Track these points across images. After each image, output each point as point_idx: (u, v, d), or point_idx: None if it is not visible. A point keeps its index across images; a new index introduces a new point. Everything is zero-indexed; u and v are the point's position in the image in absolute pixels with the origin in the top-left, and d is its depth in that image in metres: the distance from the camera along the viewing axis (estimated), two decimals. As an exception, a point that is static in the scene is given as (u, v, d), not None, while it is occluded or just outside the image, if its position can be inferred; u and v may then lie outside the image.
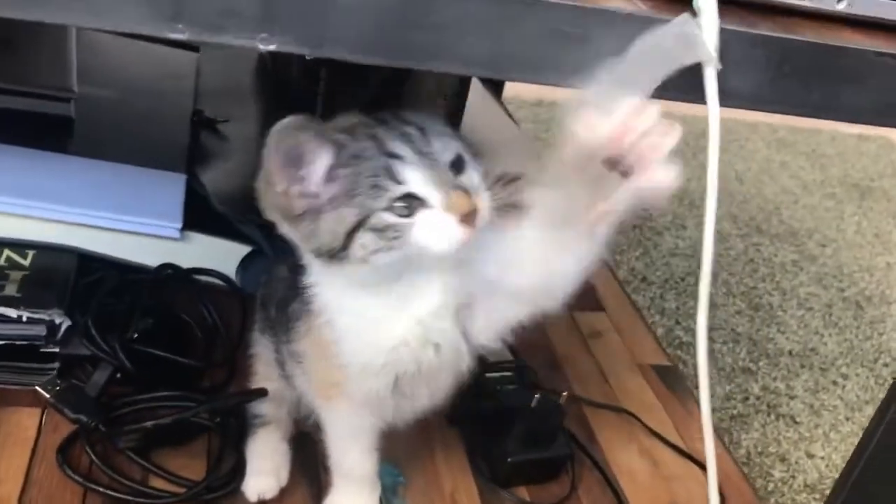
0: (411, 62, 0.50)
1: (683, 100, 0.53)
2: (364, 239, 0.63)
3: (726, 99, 0.53)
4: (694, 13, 0.51)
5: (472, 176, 0.65)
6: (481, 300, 0.70)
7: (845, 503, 0.82)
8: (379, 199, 0.62)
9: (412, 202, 0.62)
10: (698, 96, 0.53)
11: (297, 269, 0.72)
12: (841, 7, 0.56)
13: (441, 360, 0.72)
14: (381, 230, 0.62)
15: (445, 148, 0.64)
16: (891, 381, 1.16)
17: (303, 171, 0.62)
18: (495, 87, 1.78)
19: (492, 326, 0.72)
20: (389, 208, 0.62)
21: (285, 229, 0.67)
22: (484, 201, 0.63)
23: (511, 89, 1.96)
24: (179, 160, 1.10)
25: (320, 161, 0.62)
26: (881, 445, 0.78)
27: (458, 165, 0.64)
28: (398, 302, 0.69)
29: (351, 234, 0.63)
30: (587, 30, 0.50)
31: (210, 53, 1.32)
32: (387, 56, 0.49)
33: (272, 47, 0.48)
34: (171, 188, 1.05)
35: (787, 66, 0.53)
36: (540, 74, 0.51)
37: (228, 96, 1.27)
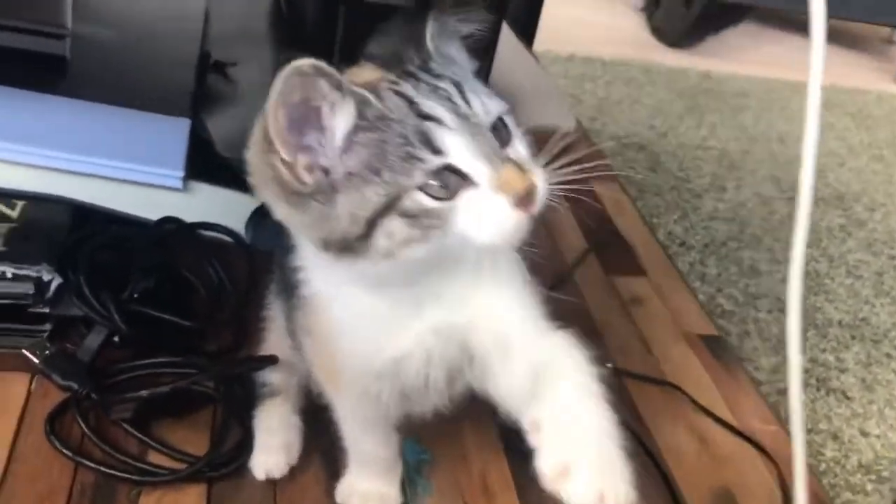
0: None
1: (785, 6, 0.42)
2: (392, 226, 0.50)
3: (834, 8, 0.43)
4: None
5: (519, 146, 0.53)
6: (502, 359, 0.58)
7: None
8: (413, 173, 0.49)
9: (452, 179, 0.50)
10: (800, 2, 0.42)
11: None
12: None
13: (443, 389, 0.62)
14: (415, 215, 0.50)
15: (487, 109, 0.52)
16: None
17: (316, 136, 0.50)
18: (526, 36, 1.67)
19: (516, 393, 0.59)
20: (425, 187, 0.49)
21: (284, 212, 0.53)
22: (541, 179, 0.51)
23: (543, 43, 1.84)
24: (183, 104, 1.02)
25: (341, 121, 0.50)
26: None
27: (502, 132, 0.52)
28: (402, 311, 0.58)
29: (375, 220, 0.50)
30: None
31: (220, -7, 1.22)
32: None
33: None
34: (173, 134, 0.97)
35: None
36: None
37: (238, 39, 1.17)
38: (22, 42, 0.99)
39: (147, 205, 0.93)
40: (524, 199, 0.50)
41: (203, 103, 1.03)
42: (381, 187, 0.49)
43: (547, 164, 0.53)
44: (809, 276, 1.65)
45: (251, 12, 1.25)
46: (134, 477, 0.73)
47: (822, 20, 0.41)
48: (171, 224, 0.93)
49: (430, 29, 0.54)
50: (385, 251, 0.51)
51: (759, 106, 2.32)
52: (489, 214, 0.50)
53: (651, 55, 2.51)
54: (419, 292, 0.57)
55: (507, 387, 0.59)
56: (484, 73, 1.27)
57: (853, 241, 1.81)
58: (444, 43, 0.55)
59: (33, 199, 0.88)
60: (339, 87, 0.49)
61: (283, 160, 0.50)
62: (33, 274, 0.80)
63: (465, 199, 0.50)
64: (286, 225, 0.56)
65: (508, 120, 0.53)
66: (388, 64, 0.54)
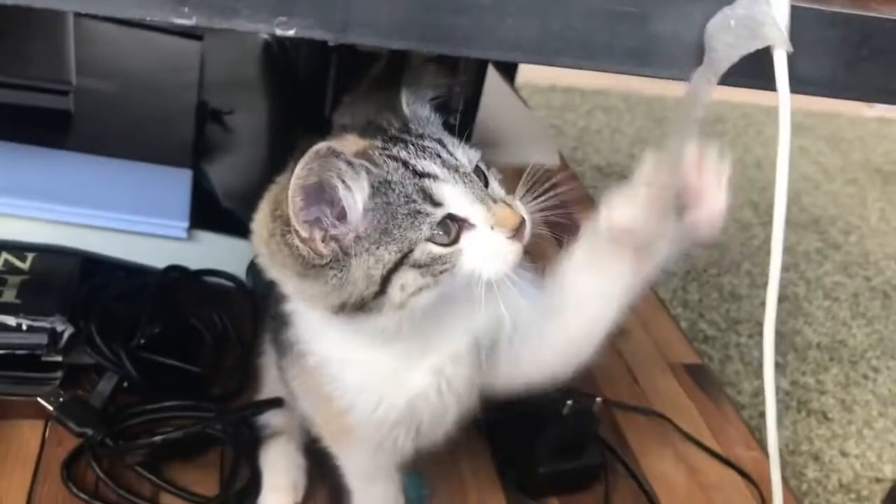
0: (446, 47, 0.44)
1: (749, 86, 0.47)
2: (406, 278, 0.54)
3: (797, 85, 0.48)
4: (763, -11, 0.45)
5: (495, 186, 0.58)
6: (510, 346, 0.63)
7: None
8: (420, 227, 0.53)
9: (451, 225, 0.54)
10: (767, 82, 0.47)
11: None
12: (923, -20, 0.50)
13: (460, 404, 0.66)
14: (426, 264, 0.54)
15: (469, 158, 0.57)
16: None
17: (325, 209, 0.53)
18: (508, 72, 1.72)
19: (522, 373, 0.66)
20: (432, 237, 0.54)
21: (296, 286, 0.56)
22: (525, 211, 0.56)
23: (523, 74, 1.90)
24: (184, 155, 1.05)
25: (358, 195, 0.53)
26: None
27: (480, 177, 0.57)
28: (413, 352, 0.61)
29: (389, 276, 0.53)
30: (644, 8, 0.44)
31: (214, 42, 1.26)
32: (419, 40, 0.44)
33: (291, 32, 0.42)
34: (176, 184, 1.00)
35: (865, 48, 0.48)
36: (592, 58, 0.45)
37: (234, 86, 1.21)
38: (28, 99, 1.02)
39: (153, 254, 0.95)
40: (517, 231, 0.55)
41: (203, 153, 1.07)
42: (394, 244, 0.53)
43: (530, 196, 0.58)
44: (788, 299, 1.70)
45: (245, 60, 1.29)
46: (149, 519, 0.76)
47: (787, 105, 0.46)
48: (176, 272, 0.96)
49: (405, 96, 0.59)
50: (399, 303, 0.54)
51: (735, 131, 2.39)
52: (490, 249, 0.55)
53: (629, 83, 2.56)
54: (422, 338, 0.60)
55: (527, 360, 0.65)
56: (470, 116, 1.32)
57: (830, 263, 1.86)
58: (419, 106, 0.60)
59: (43, 251, 0.91)
60: (352, 165, 0.52)
61: (301, 238, 0.53)
62: (47, 325, 0.82)
63: (468, 240, 0.55)
64: (296, 297, 0.59)
65: (482, 165, 0.58)
66: (365, 132, 0.58)
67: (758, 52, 0.46)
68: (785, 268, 1.79)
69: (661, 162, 0.53)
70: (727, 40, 0.45)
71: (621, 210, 0.55)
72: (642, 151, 1.84)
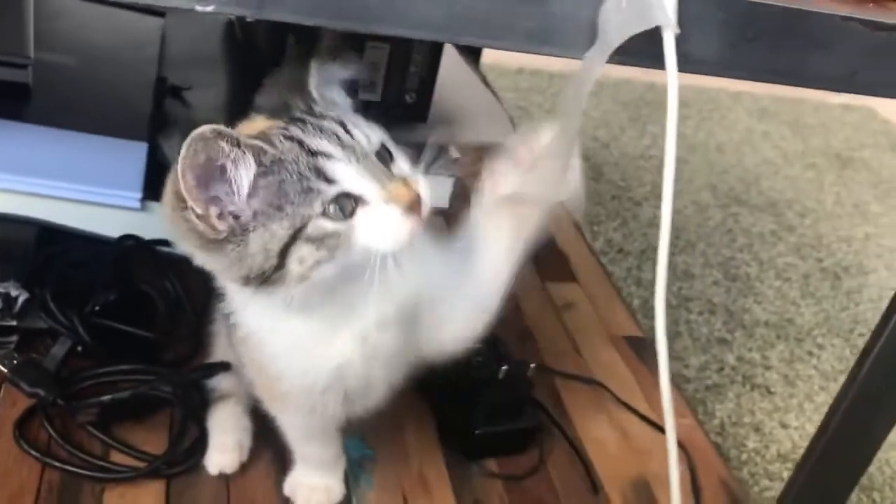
0: (356, 25, 0.48)
1: (640, 65, 0.51)
2: (301, 252, 0.57)
3: (687, 64, 0.52)
4: (653, -27, 0.49)
5: (402, 163, 0.61)
6: (430, 310, 0.67)
7: (813, 470, 0.82)
8: (312, 204, 0.56)
9: (346, 202, 0.57)
10: (657, 62, 0.51)
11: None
12: (807, -32, 0.54)
13: (389, 370, 0.70)
14: (319, 239, 0.56)
15: (369, 139, 0.60)
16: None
17: (222, 187, 0.55)
18: (473, 54, 1.75)
19: (442, 336, 0.70)
20: (324, 213, 0.56)
21: (203, 259, 0.59)
22: (424, 187, 0.59)
23: (491, 56, 1.93)
24: (141, 128, 1.07)
25: (244, 172, 0.55)
26: (848, 412, 0.78)
27: (385, 154, 0.60)
28: (336, 320, 0.64)
29: (285, 250, 0.57)
30: (542, -9, 0.48)
31: (176, 19, 1.28)
32: (330, 17, 0.47)
33: (210, 8, 0.46)
34: (132, 157, 1.02)
35: (750, 30, 0.52)
36: (494, 38, 0.49)
37: (194, 63, 1.23)
38: (-14, 72, 1.04)
39: (108, 224, 0.98)
40: (412, 206, 0.58)
41: (160, 127, 1.09)
42: (287, 220, 0.56)
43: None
44: (740, 278, 1.76)
45: (206, 37, 1.31)
46: (97, 475, 0.79)
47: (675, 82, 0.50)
48: (130, 241, 0.98)
49: (312, 77, 0.62)
50: (299, 276, 0.57)
51: (699, 116, 2.43)
52: (383, 225, 0.57)
53: (598, 67, 2.60)
54: (339, 306, 0.63)
55: (445, 325, 0.69)
56: (426, 95, 1.35)
57: (783, 245, 1.92)
58: (326, 88, 0.63)
59: (1, 219, 0.94)
60: (237, 144, 0.55)
61: (196, 214, 0.55)
62: (1, 290, 0.86)
63: (361, 216, 0.57)
64: (208, 270, 0.62)
65: (389, 143, 0.61)
66: (277, 113, 0.61)
67: (649, 33, 0.50)
68: (739, 248, 1.86)
69: (550, 132, 0.59)
70: (618, 21, 0.49)
71: (504, 178, 0.61)
72: (607, 134, 1.91)
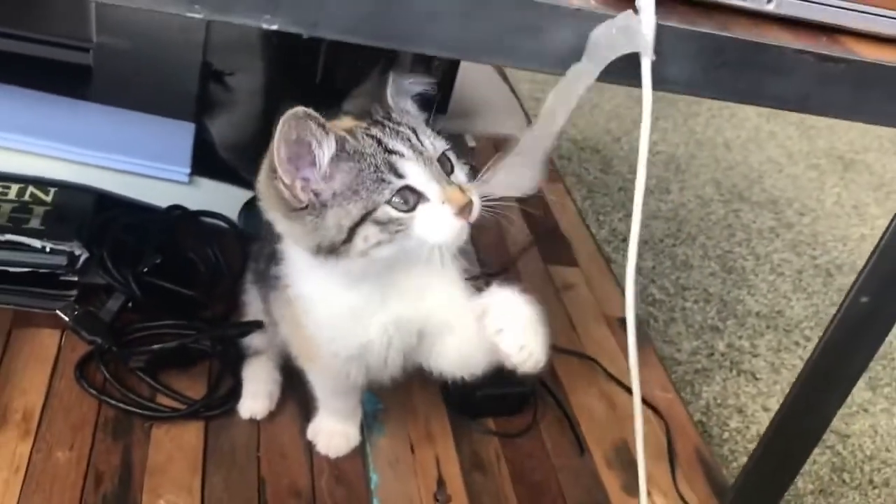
0: (392, 43, 0.58)
1: (625, 83, 0.61)
2: (368, 231, 0.67)
3: (665, 84, 0.62)
4: (636, 10, 0.59)
5: (459, 173, 0.72)
6: (437, 336, 0.78)
7: (775, 437, 0.93)
8: (383, 192, 0.67)
9: (410, 196, 0.68)
10: (636, 80, 0.61)
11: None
12: (770, 7, 0.64)
13: (401, 359, 0.81)
14: (384, 223, 0.67)
15: (435, 147, 0.71)
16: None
17: (308, 162, 0.66)
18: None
19: (449, 363, 0.80)
20: (391, 202, 0.67)
21: (284, 226, 0.71)
22: (476, 196, 0.70)
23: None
24: (189, 109, 1.19)
25: (326, 151, 0.66)
26: (803, 392, 0.89)
27: (447, 163, 0.71)
28: (371, 305, 0.75)
29: (355, 228, 0.67)
30: (541, 22, 0.59)
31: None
32: (371, 37, 0.58)
33: (275, 27, 0.56)
34: (180, 136, 1.14)
35: (719, 58, 0.62)
36: (501, 58, 0.60)
37: (236, 50, 1.34)
38: (53, 53, 1.15)
39: (158, 195, 1.09)
40: (463, 210, 0.69)
41: (205, 108, 1.20)
42: (360, 203, 0.67)
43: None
44: (735, 271, 1.85)
45: (248, 27, 1.42)
46: (146, 413, 0.91)
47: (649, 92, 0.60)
48: (177, 211, 1.10)
49: (389, 89, 0.73)
50: (361, 251, 0.68)
51: (709, 112, 2.52)
52: (438, 221, 0.69)
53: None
54: (384, 287, 0.75)
55: (448, 356, 0.80)
56: (447, 88, 1.45)
57: (780, 241, 2.01)
58: (401, 99, 0.74)
59: (64, 186, 1.05)
60: (323, 126, 0.66)
61: (284, 184, 0.67)
62: (66, 249, 0.97)
63: (421, 210, 0.69)
64: (285, 236, 0.73)
65: (451, 154, 0.72)
66: (361, 116, 0.72)
67: (631, 56, 0.60)
68: (738, 243, 1.96)
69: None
70: (607, 43, 0.59)
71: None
72: (619, 128, 2.01)
